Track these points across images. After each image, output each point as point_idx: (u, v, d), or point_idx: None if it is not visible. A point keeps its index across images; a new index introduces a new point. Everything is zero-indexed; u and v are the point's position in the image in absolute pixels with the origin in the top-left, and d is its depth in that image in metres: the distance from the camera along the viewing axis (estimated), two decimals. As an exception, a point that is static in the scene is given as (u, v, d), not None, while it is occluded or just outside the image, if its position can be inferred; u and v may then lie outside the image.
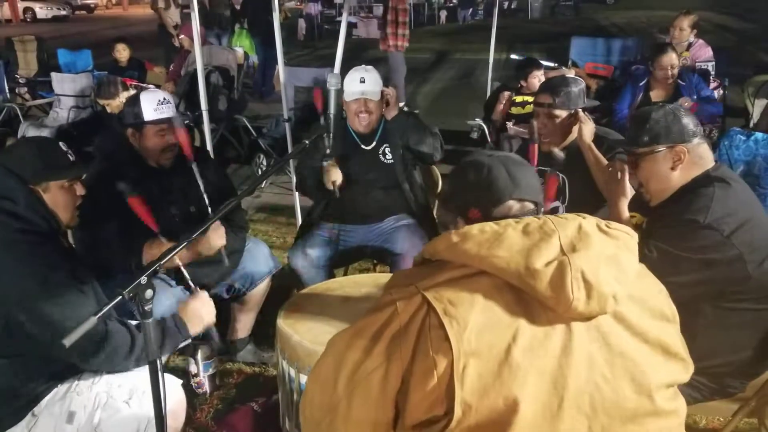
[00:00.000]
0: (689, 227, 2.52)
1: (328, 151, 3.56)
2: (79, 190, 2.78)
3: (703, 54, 7.08)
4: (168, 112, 3.54)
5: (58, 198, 2.69)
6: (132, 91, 6.46)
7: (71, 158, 2.75)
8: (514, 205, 1.79)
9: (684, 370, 1.73)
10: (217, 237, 3.38)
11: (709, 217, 2.50)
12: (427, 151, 4.11)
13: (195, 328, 2.85)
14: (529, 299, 1.57)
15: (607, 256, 1.60)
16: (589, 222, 1.66)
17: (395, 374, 1.56)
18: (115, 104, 6.32)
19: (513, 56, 9.68)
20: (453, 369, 1.49)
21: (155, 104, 3.50)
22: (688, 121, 2.69)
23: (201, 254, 3.35)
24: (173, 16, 11.45)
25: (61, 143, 2.77)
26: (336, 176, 3.91)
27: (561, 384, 1.53)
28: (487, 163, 1.84)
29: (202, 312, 2.89)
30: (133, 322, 2.65)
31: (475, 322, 1.52)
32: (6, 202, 2.55)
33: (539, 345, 1.54)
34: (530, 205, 1.82)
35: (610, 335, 1.60)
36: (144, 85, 8.15)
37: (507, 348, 1.52)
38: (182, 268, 3.13)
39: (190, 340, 2.88)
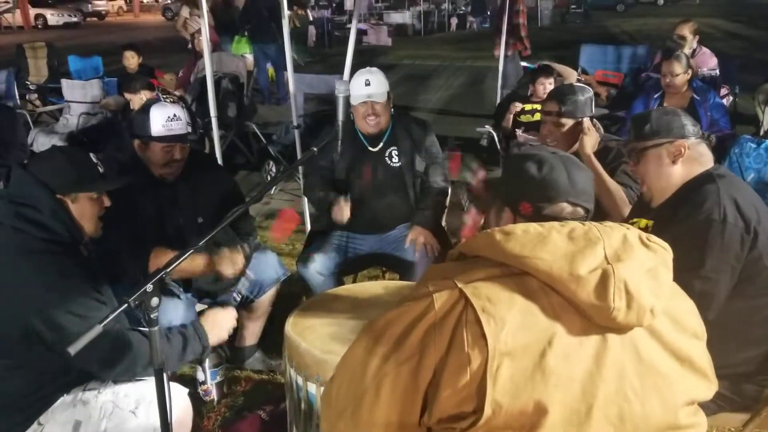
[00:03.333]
0: (706, 225, 2.51)
1: (337, 157, 3.55)
2: (106, 201, 2.79)
3: (708, 62, 7.07)
4: (177, 129, 3.46)
5: (86, 209, 2.70)
6: (156, 93, 6.54)
7: (101, 170, 2.75)
8: (566, 207, 1.77)
9: (708, 389, 1.73)
10: (231, 266, 3.35)
11: (722, 213, 2.50)
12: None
13: (214, 338, 2.87)
14: (566, 305, 1.56)
15: (648, 269, 1.59)
16: (633, 233, 1.65)
17: (428, 366, 1.54)
18: (136, 100, 6.38)
19: (522, 64, 9.64)
20: (486, 367, 1.48)
21: (164, 120, 3.42)
22: (688, 122, 2.74)
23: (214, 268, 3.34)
24: (194, 24, 11.47)
25: (91, 154, 2.77)
26: (345, 215, 3.93)
27: (590, 393, 1.52)
28: (550, 161, 1.81)
29: (223, 323, 2.91)
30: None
31: (512, 322, 1.51)
32: (31, 210, 2.56)
33: (573, 352, 1.53)
34: (581, 211, 1.80)
35: (643, 348, 1.60)
36: (171, 91, 8.18)
37: (542, 352, 1.51)
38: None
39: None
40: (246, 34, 12.37)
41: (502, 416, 1.49)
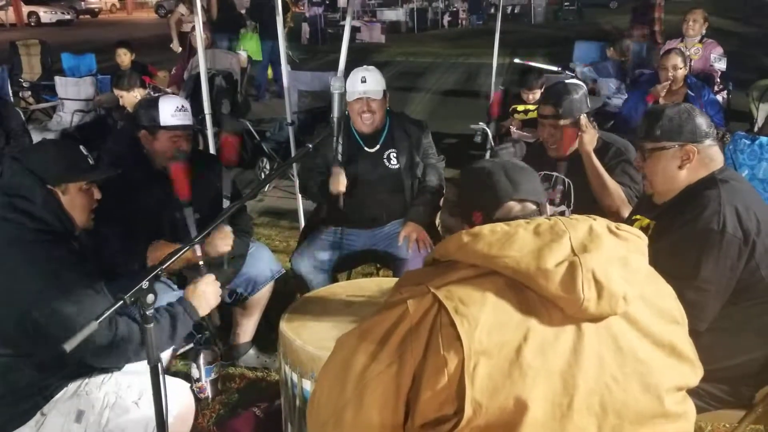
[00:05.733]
0: (704, 235, 2.49)
1: (334, 154, 3.54)
2: (96, 193, 2.81)
3: (716, 48, 7.16)
4: (184, 119, 3.56)
5: (76, 200, 2.72)
6: (148, 90, 6.51)
7: (91, 161, 2.79)
8: (514, 206, 1.82)
9: (693, 374, 1.73)
10: (222, 243, 3.39)
11: (722, 223, 2.48)
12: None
13: (202, 310, 2.88)
14: (540, 300, 1.57)
15: (618, 258, 1.60)
16: (600, 224, 1.66)
17: (407, 373, 1.55)
18: (128, 97, 6.33)
19: (516, 61, 9.65)
20: (464, 368, 1.48)
21: (173, 110, 3.51)
22: (702, 122, 2.67)
23: (208, 254, 3.36)
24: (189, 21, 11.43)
25: (81, 147, 2.80)
26: (341, 184, 3.91)
27: (571, 384, 1.52)
28: (488, 168, 1.88)
29: (208, 293, 2.90)
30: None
31: (485, 321, 1.52)
32: (23, 201, 2.58)
33: (550, 346, 1.54)
34: (531, 206, 1.83)
35: (621, 336, 1.60)
36: (163, 88, 8.16)
37: (518, 348, 1.51)
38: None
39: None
40: (253, 30, 12.32)
41: (483, 415, 1.49)
